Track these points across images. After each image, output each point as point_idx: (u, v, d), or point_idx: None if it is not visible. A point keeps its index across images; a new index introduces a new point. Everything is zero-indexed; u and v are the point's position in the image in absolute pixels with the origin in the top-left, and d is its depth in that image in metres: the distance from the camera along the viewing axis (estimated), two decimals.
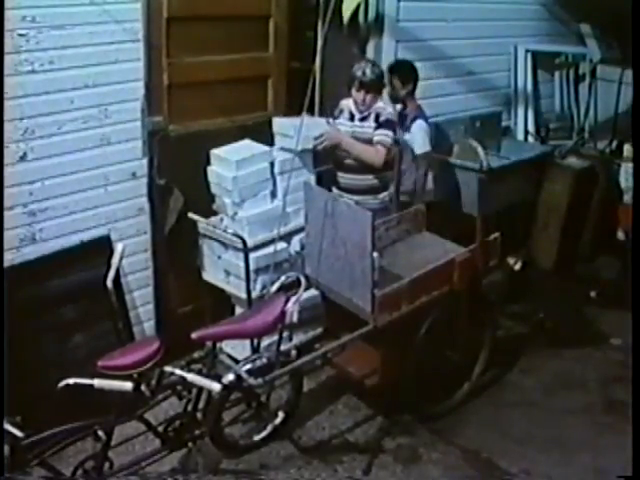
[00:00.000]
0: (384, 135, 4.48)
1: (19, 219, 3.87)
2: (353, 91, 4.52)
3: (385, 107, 4.60)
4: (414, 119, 4.87)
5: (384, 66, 4.86)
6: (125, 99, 4.11)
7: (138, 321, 4.49)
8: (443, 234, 4.57)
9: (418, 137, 4.80)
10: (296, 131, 4.19)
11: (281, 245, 4.40)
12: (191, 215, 4.50)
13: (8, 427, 3.00)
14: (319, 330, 4.63)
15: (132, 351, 3.32)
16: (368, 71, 4.46)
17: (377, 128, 4.51)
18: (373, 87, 4.49)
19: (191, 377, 3.23)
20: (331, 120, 4.67)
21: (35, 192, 3.90)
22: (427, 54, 5.43)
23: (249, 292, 4.36)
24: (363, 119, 4.58)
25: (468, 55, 5.74)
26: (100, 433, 3.30)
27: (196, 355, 4.20)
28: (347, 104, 4.66)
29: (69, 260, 4.04)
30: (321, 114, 4.94)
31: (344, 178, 4.64)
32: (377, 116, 4.53)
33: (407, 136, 4.81)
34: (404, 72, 4.95)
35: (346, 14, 4.66)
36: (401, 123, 4.81)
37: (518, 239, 5.68)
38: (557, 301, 5.65)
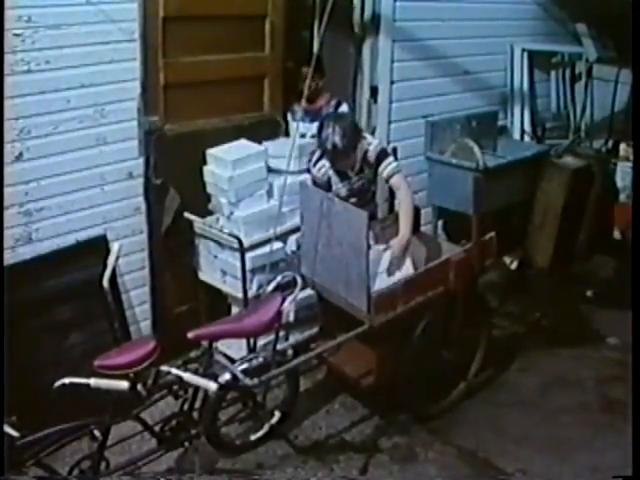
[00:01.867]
0: (389, 166, 4.17)
1: (15, 219, 3.86)
2: (330, 159, 4.14)
3: (365, 143, 4.19)
4: (338, 104, 4.84)
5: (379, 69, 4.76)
6: (121, 99, 4.11)
7: (134, 320, 4.49)
8: None
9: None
10: None
11: (277, 245, 4.41)
12: (187, 215, 4.51)
13: (4, 427, 3.00)
14: (315, 330, 4.63)
15: (128, 350, 3.33)
16: (337, 139, 3.97)
17: (377, 165, 4.19)
18: (349, 150, 4.07)
19: (187, 376, 3.23)
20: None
21: (31, 192, 3.89)
22: (423, 54, 5.43)
23: (245, 292, 4.37)
24: (359, 172, 4.26)
25: (464, 54, 5.73)
26: (96, 433, 3.30)
27: (192, 354, 4.22)
28: (331, 172, 4.24)
29: (65, 260, 4.04)
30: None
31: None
32: (365, 154, 4.18)
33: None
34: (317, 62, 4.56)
35: None
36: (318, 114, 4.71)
37: (514, 238, 5.68)
38: (553, 300, 5.65)
